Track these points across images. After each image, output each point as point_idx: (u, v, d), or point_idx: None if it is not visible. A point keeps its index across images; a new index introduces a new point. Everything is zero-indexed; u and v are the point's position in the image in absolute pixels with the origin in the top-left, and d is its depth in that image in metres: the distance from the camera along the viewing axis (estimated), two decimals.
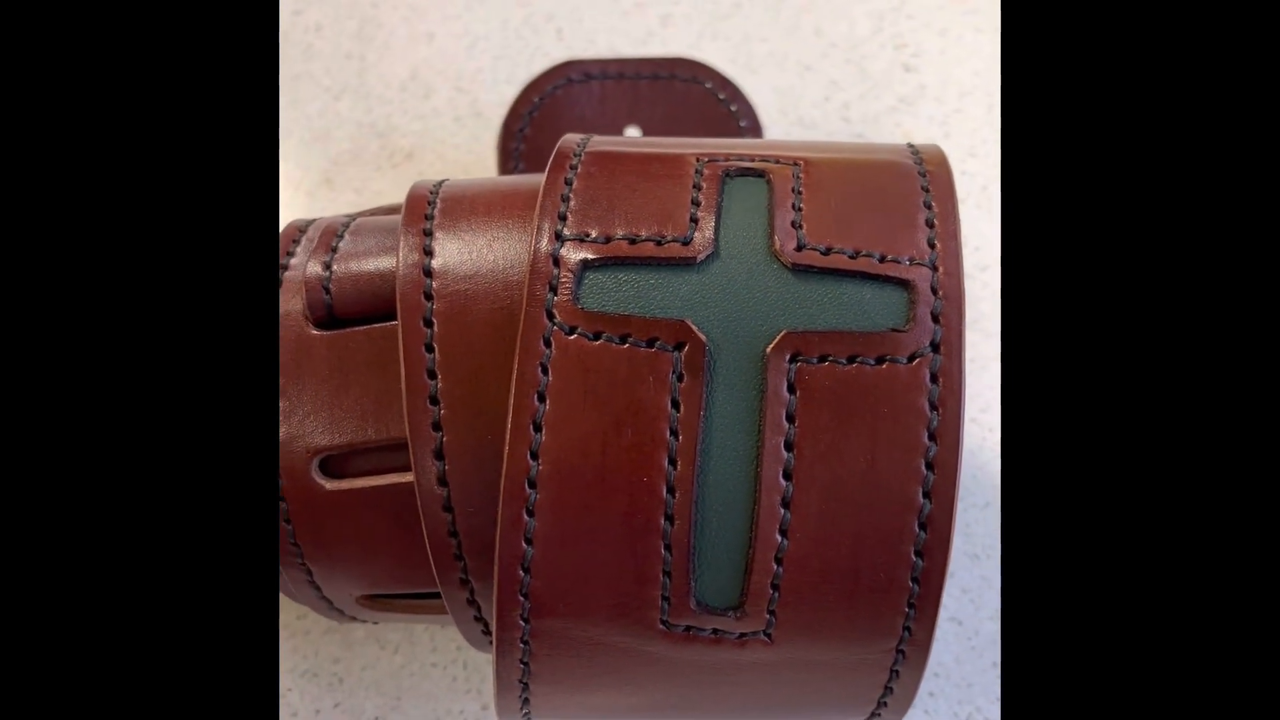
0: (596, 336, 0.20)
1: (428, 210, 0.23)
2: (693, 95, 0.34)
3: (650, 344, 0.20)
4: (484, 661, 0.29)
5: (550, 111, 0.34)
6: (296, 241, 0.25)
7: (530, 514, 0.20)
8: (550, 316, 0.21)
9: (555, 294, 0.21)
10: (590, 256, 0.21)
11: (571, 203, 0.22)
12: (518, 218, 0.23)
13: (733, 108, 0.34)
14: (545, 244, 0.21)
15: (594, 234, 0.21)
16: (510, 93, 0.40)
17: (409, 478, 0.22)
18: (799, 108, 0.40)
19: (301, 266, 0.24)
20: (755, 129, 0.34)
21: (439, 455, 0.21)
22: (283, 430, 0.22)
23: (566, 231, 0.21)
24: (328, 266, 0.23)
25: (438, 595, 0.24)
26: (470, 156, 0.39)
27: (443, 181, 0.25)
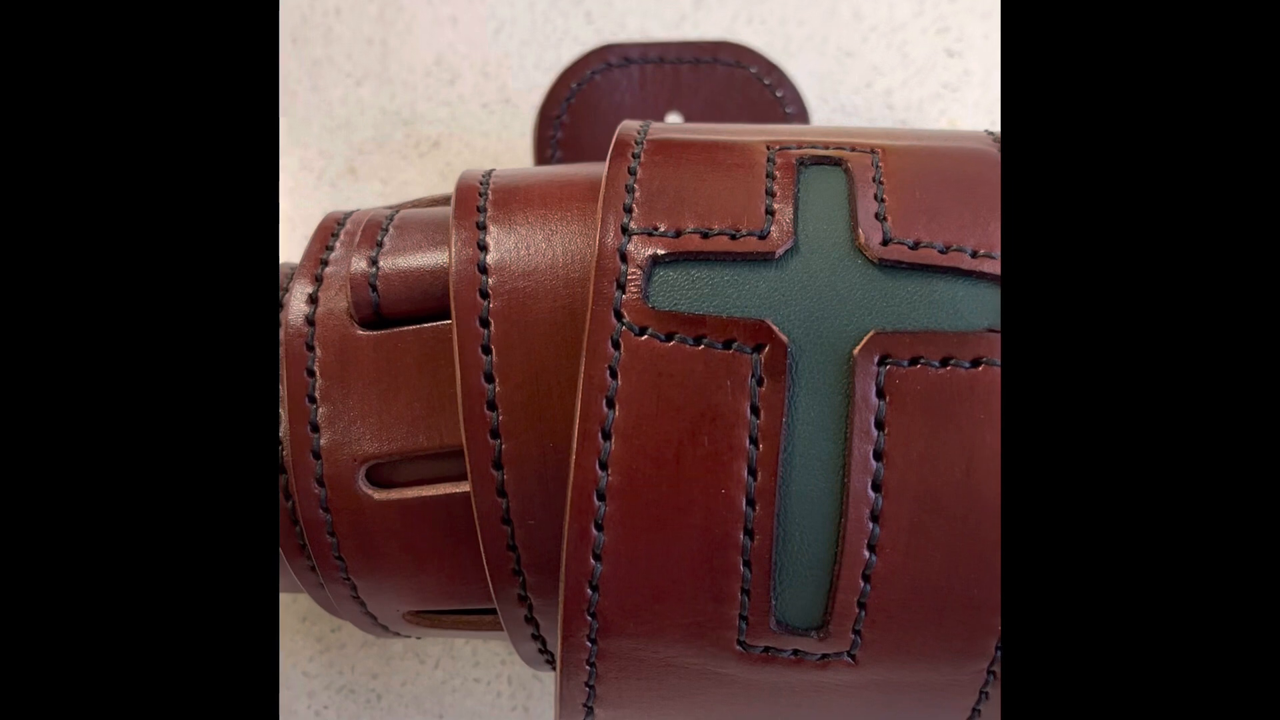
0: (669, 337, 0.19)
1: (479, 202, 0.22)
2: (736, 80, 0.32)
3: (727, 345, 0.19)
4: (530, 676, 0.28)
5: (588, 98, 0.32)
6: (335, 235, 0.23)
7: (599, 528, 0.19)
8: (618, 316, 0.19)
9: (623, 292, 0.19)
10: (660, 252, 0.19)
11: (636, 194, 0.20)
12: (577, 210, 0.21)
13: (778, 93, 0.32)
14: (611, 238, 0.20)
15: (663, 227, 0.20)
16: (540, 78, 0.39)
17: (464, 488, 0.21)
18: (839, 94, 0.38)
19: (342, 262, 0.22)
20: (802, 115, 0.32)
21: (498, 464, 0.20)
22: (326, 437, 0.21)
23: (633, 225, 0.20)
24: (374, 262, 0.22)
25: (492, 611, 0.23)
26: (500, 145, 0.37)
27: (491, 171, 0.23)
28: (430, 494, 0.21)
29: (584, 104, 0.32)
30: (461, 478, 0.21)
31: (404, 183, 0.37)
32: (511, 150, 0.37)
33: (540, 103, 0.32)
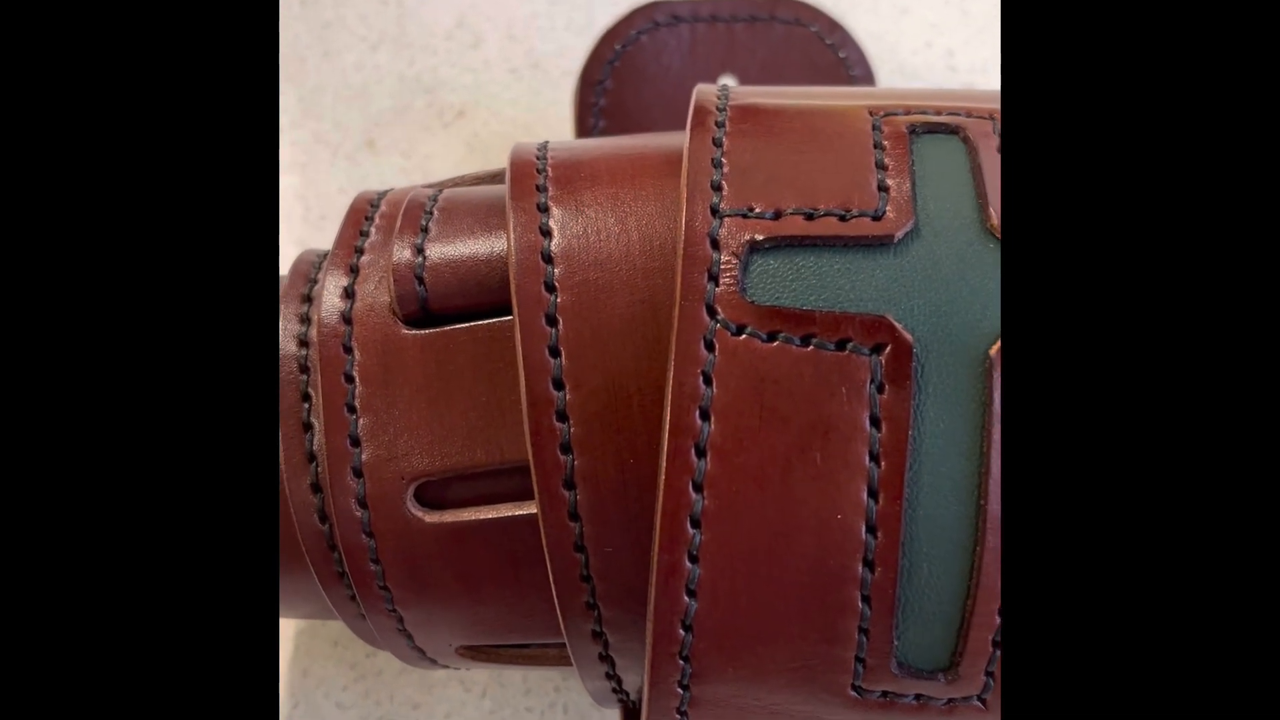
0: (771, 337, 0.16)
1: (539, 180, 0.19)
2: (795, 40, 0.29)
3: (841, 346, 0.16)
4: (589, 705, 0.25)
5: (633, 61, 0.29)
6: (369, 218, 0.21)
7: (693, 560, 0.16)
8: (711, 312, 0.16)
9: (716, 284, 0.17)
10: (758, 236, 0.17)
11: (725, 169, 0.17)
12: (653, 188, 0.19)
13: (841, 54, 0.29)
14: (699, 222, 0.17)
15: (759, 208, 0.17)
16: (570, 40, 0.36)
17: (529, 509, 0.18)
18: (898, 54, 0.36)
19: (381, 249, 0.20)
20: (868, 78, 0.30)
21: (569, 484, 0.17)
22: (369, 452, 0.18)
23: (724, 206, 0.17)
24: (419, 251, 0.19)
25: (559, 645, 0.20)
26: (531, 114, 0.34)
27: (545, 144, 0.20)
28: (489, 516, 0.18)
29: (629, 67, 0.29)
30: (526, 497, 0.18)
31: (427, 156, 0.34)
32: (543, 119, 0.34)
33: (580, 67, 0.29)
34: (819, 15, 0.30)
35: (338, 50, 0.36)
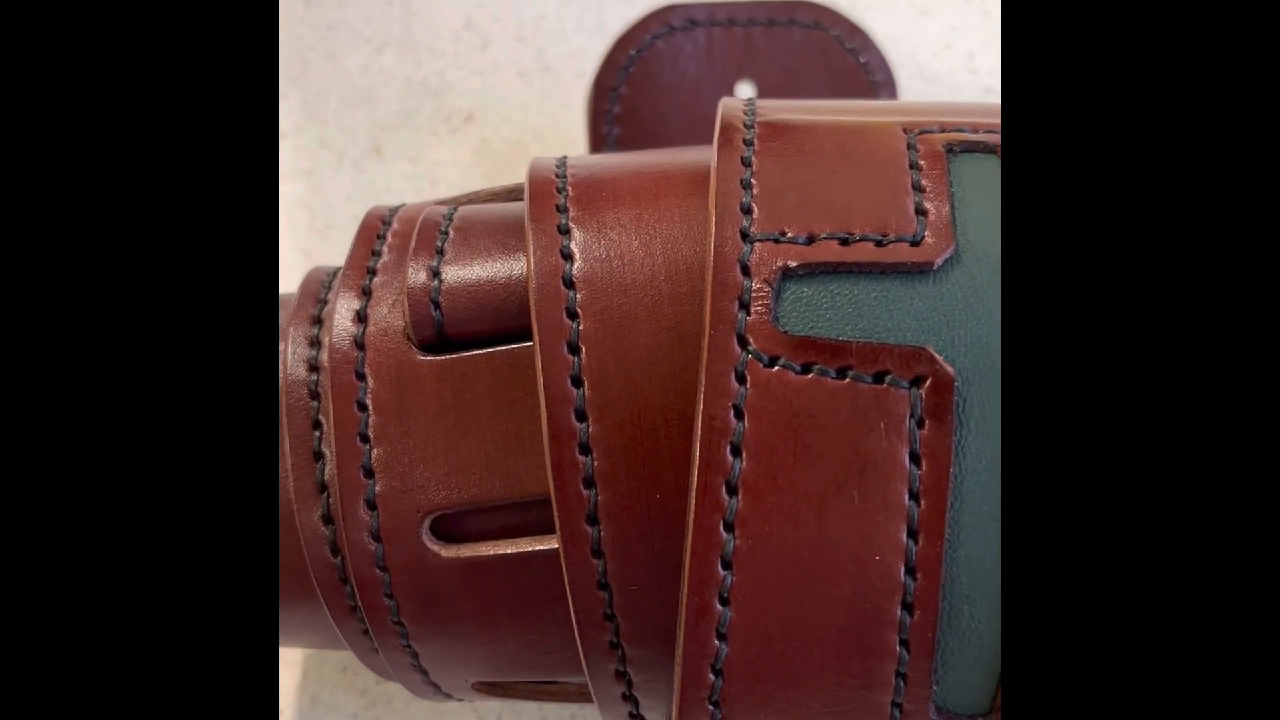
0: (806, 369, 0.16)
1: (558, 199, 0.18)
2: (815, 44, 0.29)
3: (879, 378, 0.15)
4: None
5: (648, 66, 0.28)
6: (380, 236, 0.20)
7: (724, 602, 0.16)
8: (743, 343, 0.16)
9: (747, 312, 0.16)
10: (791, 263, 0.16)
11: (755, 190, 0.17)
12: (678, 208, 0.18)
13: (862, 59, 0.29)
14: (729, 246, 0.16)
15: (791, 232, 0.16)
16: (581, 42, 0.35)
17: (551, 544, 0.17)
18: (917, 57, 0.35)
19: (394, 270, 0.19)
20: (889, 86, 0.29)
21: (592, 519, 0.17)
22: (383, 483, 0.18)
23: (755, 230, 0.16)
24: (435, 274, 0.18)
25: (580, 683, 0.20)
26: (542, 119, 0.34)
27: (564, 159, 0.20)
28: (509, 551, 0.18)
29: (644, 73, 0.28)
30: (546, 531, 0.18)
31: (435, 162, 0.33)
32: (554, 125, 0.33)
33: (594, 71, 0.29)
34: (839, 19, 0.29)
35: (342, 53, 0.35)
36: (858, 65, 0.29)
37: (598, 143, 0.28)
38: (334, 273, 0.21)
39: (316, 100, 0.34)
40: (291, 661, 0.25)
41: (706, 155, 0.19)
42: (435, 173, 0.33)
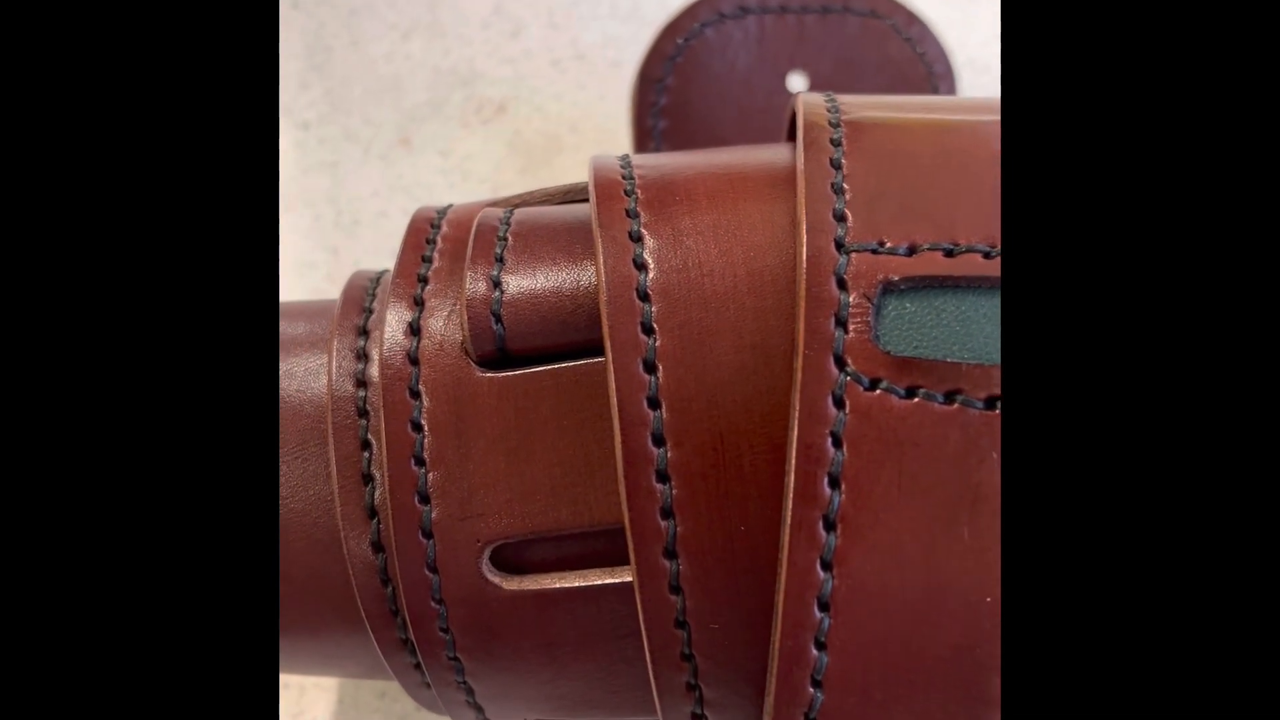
0: (910, 393, 0.14)
1: (628, 203, 0.17)
2: (870, 34, 0.27)
3: (990, 404, 0.14)
4: None
5: (697, 56, 0.27)
6: (430, 242, 0.18)
7: (820, 647, 0.14)
8: (840, 363, 0.14)
9: (845, 330, 0.15)
10: (892, 277, 0.15)
11: (847, 195, 0.15)
12: (759, 214, 0.16)
13: (920, 49, 0.27)
14: (823, 257, 0.15)
15: (890, 242, 0.15)
16: (616, 29, 0.33)
17: (623, 577, 0.16)
18: (966, 47, 0.33)
19: (447, 279, 0.17)
20: (949, 77, 0.27)
21: (670, 552, 0.15)
22: (440, 509, 0.16)
23: (850, 239, 0.15)
24: (495, 284, 0.17)
25: None
26: (577, 110, 0.32)
27: (627, 157, 0.18)
28: (576, 584, 0.16)
29: (692, 63, 0.27)
30: (617, 562, 0.16)
31: (467, 155, 0.32)
32: (590, 116, 0.32)
33: (639, 61, 0.27)
34: (896, 7, 0.27)
35: (367, 39, 0.34)
36: (915, 56, 0.27)
37: (642, 136, 0.27)
38: (377, 278, 0.20)
39: (340, 89, 0.33)
40: (326, 686, 0.24)
41: (783, 155, 0.18)
42: (466, 166, 0.31)
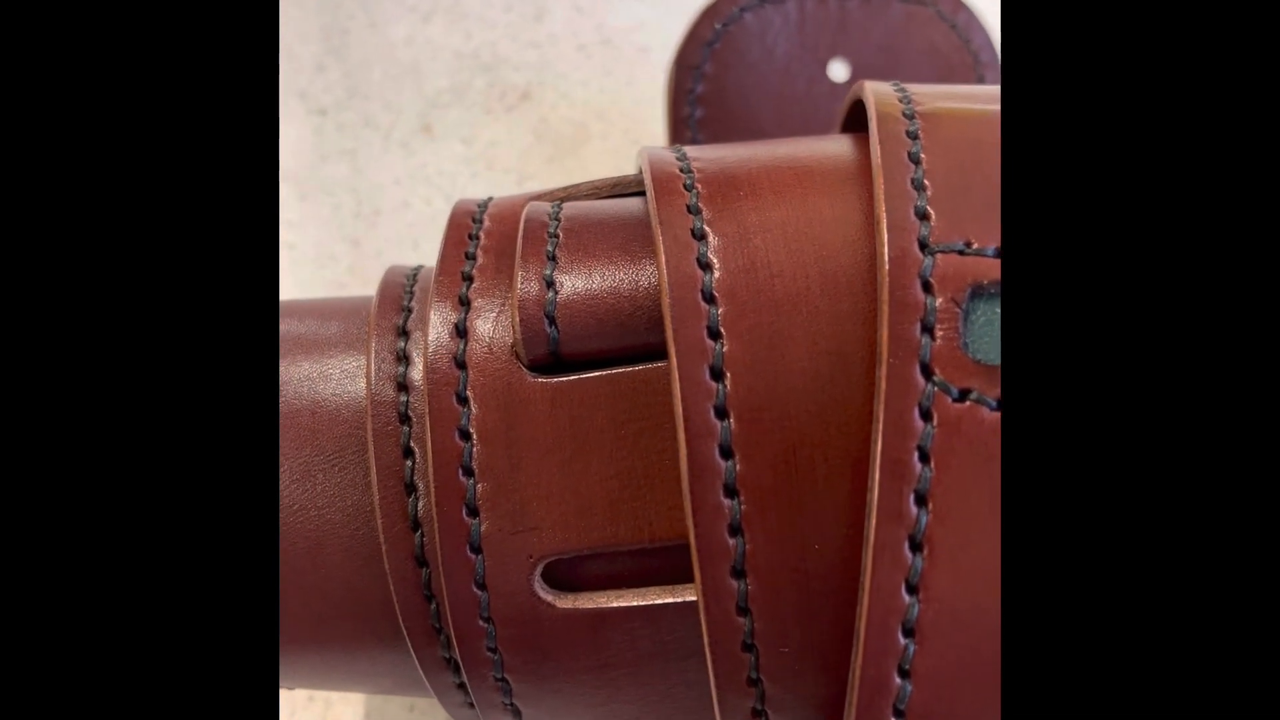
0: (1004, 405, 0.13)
1: (688, 199, 0.16)
2: (915, 21, 0.26)
3: None
4: None
5: (735, 42, 0.26)
6: (473, 237, 0.17)
7: (904, 675, 0.13)
8: (927, 373, 0.13)
9: (931, 337, 0.14)
10: (982, 280, 0.14)
11: (929, 191, 0.14)
12: (829, 210, 0.15)
13: (965, 37, 0.26)
14: (906, 258, 0.14)
15: (979, 242, 0.14)
16: (644, 12, 0.32)
17: (685, 595, 0.15)
18: None
19: (494, 276, 0.16)
20: (995, 66, 0.26)
21: (738, 572, 0.14)
22: (490, 523, 0.15)
23: (934, 239, 0.14)
24: (549, 283, 0.16)
25: None
26: (604, 97, 0.31)
27: (680, 149, 0.17)
28: (635, 604, 0.15)
29: (730, 49, 0.26)
30: (679, 580, 0.15)
31: (490, 143, 0.31)
32: (618, 103, 0.31)
33: (676, 46, 0.26)
34: None
35: (385, 21, 0.33)
36: (961, 43, 0.26)
37: (678, 124, 0.26)
38: (413, 274, 0.19)
39: (359, 73, 0.32)
40: (353, 700, 0.23)
41: (847, 148, 0.17)
42: (490, 154, 0.30)
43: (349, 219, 0.29)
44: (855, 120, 0.19)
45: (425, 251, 0.29)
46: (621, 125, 0.30)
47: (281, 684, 0.19)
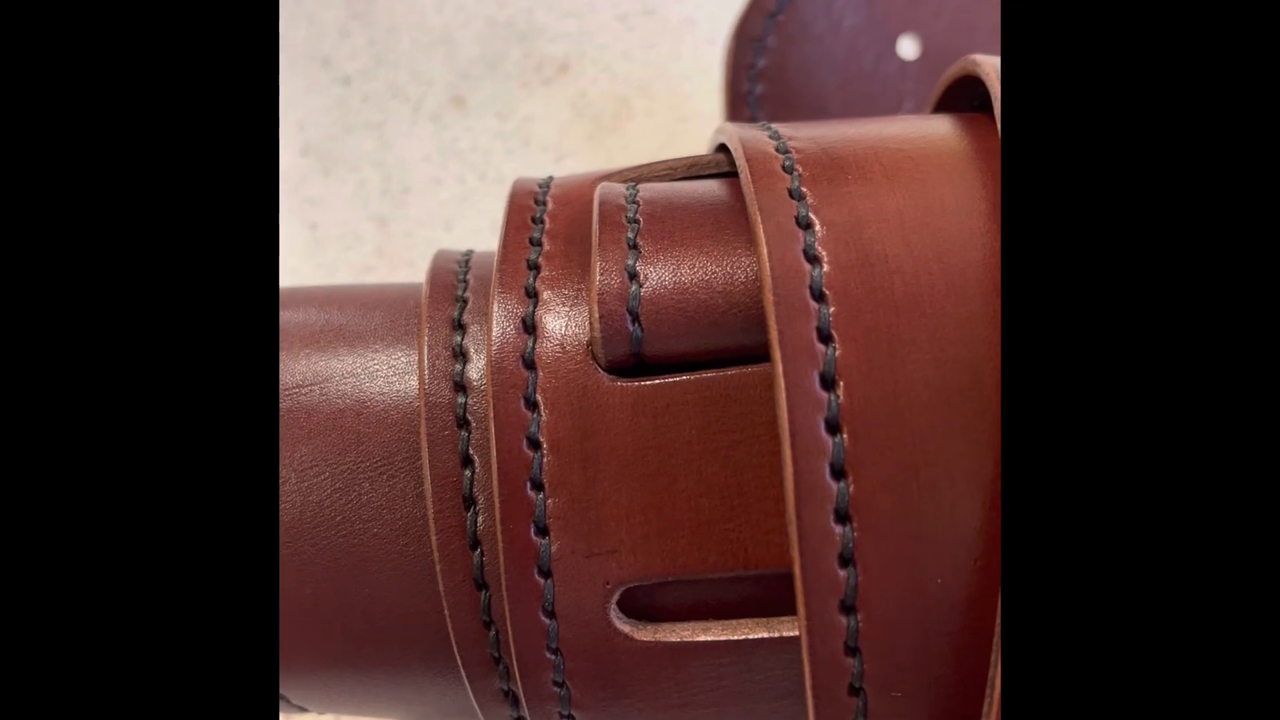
0: None
1: (789, 182, 0.14)
2: None
3: None
4: None
5: (800, 13, 0.24)
6: (537, 221, 0.16)
7: None
8: None
9: None
10: None
11: None
12: (953, 198, 0.14)
13: None
14: None
15: None
16: None
17: (782, 630, 0.14)
18: None
19: (564, 264, 0.15)
20: None
21: (848, 607, 0.13)
22: (561, 543, 0.14)
23: None
24: (633, 275, 0.14)
25: None
26: (647, 71, 0.29)
27: (771, 126, 0.15)
28: (723, 638, 0.14)
29: (795, 22, 0.24)
30: (774, 612, 0.14)
31: (527, 117, 0.29)
32: (663, 77, 0.29)
33: (738, 18, 0.24)
34: None
35: None
36: None
37: (737, 101, 0.24)
38: (465, 260, 0.17)
39: (385, 40, 0.30)
40: None
41: (959, 129, 0.15)
42: (527, 130, 0.28)
43: (375, 196, 0.27)
44: (953, 100, 0.17)
45: (458, 233, 0.27)
46: (667, 101, 0.28)
47: (315, 708, 0.17)
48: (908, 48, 0.25)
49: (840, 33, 0.24)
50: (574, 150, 0.28)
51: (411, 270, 0.26)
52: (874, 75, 0.24)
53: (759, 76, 0.24)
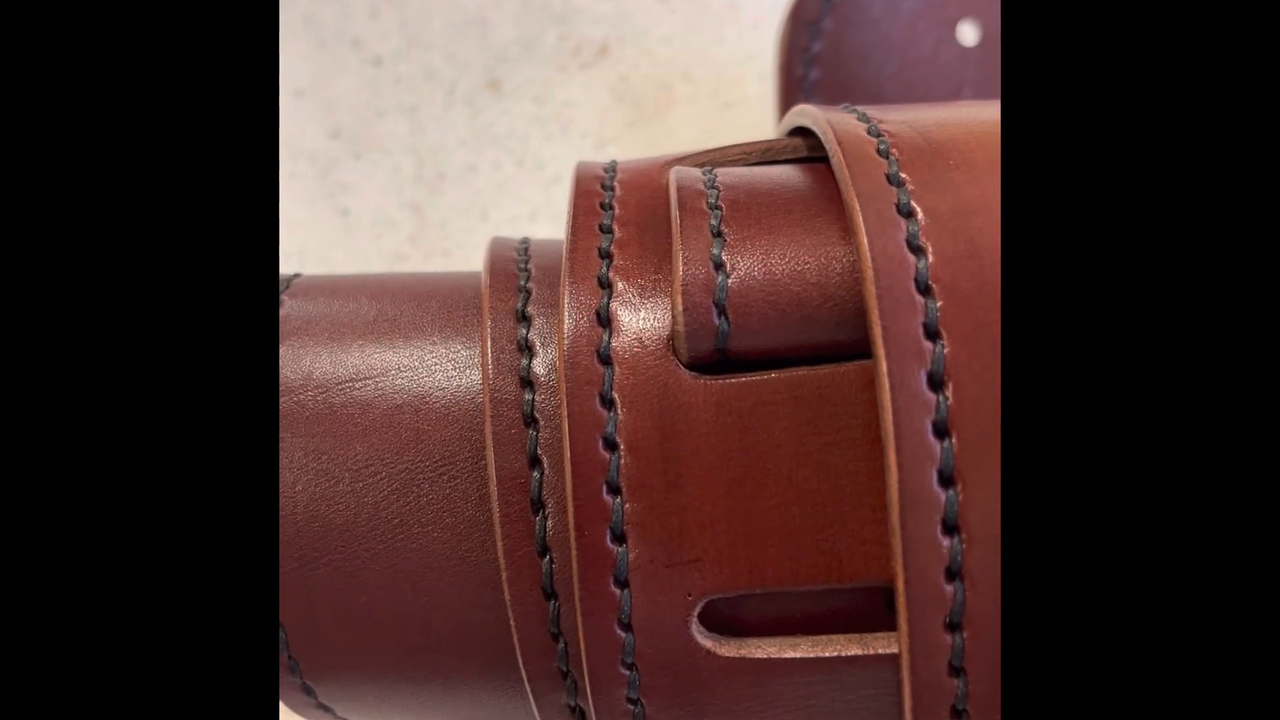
0: None
1: (886, 167, 0.13)
2: None
3: None
4: None
5: None
6: (606, 207, 0.15)
7: None
8: None
9: None
10: None
11: None
12: None
13: None
14: None
15: None
16: None
17: (878, 648, 0.13)
18: None
19: (635, 253, 0.14)
20: None
21: (954, 624, 0.12)
22: (638, 551, 0.13)
23: None
24: (719, 265, 0.13)
25: None
26: (690, 55, 0.28)
27: (860, 110, 0.15)
28: (813, 655, 0.13)
29: (851, 5, 0.23)
30: (869, 628, 0.13)
31: (565, 102, 0.28)
32: (707, 62, 0.28)
33: (791, 1, 0.23)
34: None
35: None
36: None
37: (791, 86, 0.23)
38: (524, 248, 0.16)
39: (418, 21, 0.29)
40: None
41: None
42: (565, 115, 0.27)
43: (409, 182, 0.26)
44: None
45: (496, 221, 0.26)
46: (710, 87, 0.27)
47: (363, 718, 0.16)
48: (968, 33, 0.24)
49: (899, 16, 0.23)
50: (615, 137, 0.27)
51: (448, 260, 0.25)
52: (933, 61, 0.23)
53: (814, 61, 0.23)
